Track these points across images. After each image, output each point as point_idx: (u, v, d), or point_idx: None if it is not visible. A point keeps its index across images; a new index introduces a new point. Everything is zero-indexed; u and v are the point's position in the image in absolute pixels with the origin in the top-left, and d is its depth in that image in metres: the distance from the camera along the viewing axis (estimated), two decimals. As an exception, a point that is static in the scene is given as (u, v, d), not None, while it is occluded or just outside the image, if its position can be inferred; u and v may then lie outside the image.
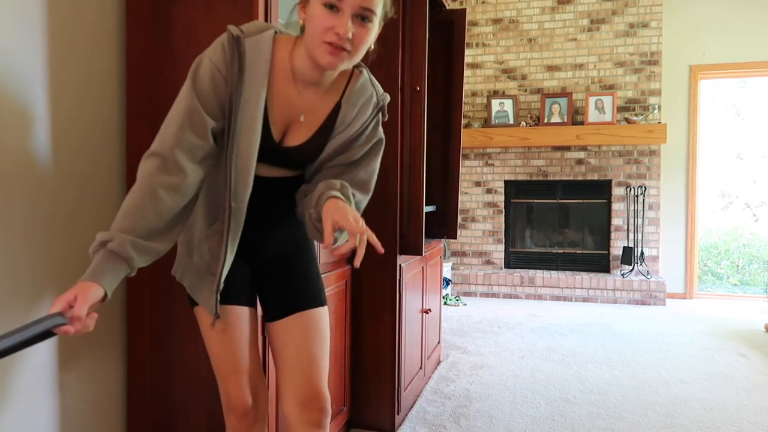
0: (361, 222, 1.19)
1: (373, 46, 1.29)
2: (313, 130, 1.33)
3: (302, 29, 1.25)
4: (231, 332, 1.37)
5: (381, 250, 1.19)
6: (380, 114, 1.40)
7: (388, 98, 1.41)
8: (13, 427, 1.45)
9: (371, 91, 1.37)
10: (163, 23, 1.71)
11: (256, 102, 1.23)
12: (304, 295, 1.42)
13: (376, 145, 1.40)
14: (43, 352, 1.54)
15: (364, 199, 1.40)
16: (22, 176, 1.46)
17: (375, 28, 1.23)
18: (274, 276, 1.43)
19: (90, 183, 1.68)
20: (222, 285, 1.30)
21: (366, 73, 1.37)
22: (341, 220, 1.18)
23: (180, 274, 1.40)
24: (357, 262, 1.15)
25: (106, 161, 1.73)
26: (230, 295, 1.36)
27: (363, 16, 1.18)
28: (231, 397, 1.39)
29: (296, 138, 1.32)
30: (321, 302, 1.44)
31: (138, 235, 1.12)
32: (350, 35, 1.17)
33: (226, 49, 1.22)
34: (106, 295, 1.07)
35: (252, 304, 1.43)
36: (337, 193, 1.26)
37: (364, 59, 1.33)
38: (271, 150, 1.30)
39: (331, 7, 1.16)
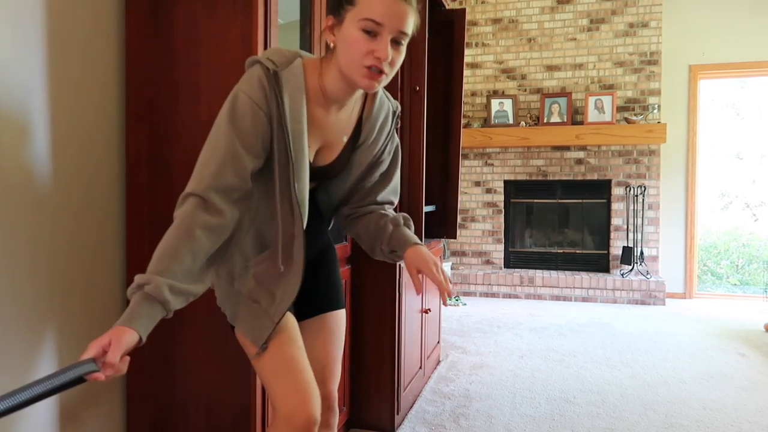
0: (440, 267, 1.31)
1: None
2: (341, 147, 1.36)
3: (326, 48, 1.27)
4: (283, 338, 1.28)
5: (450, 295, 1.31)
6: (397, 121, 1.47)
7: (399, 105, 1.48)
8: (12, 428, 1.45)
9: (387, 104, 1.43)
10: (162, 24, 1.71)
11: (302, 133, 1.24)
12: (328, 296, 1.46)
13: (397, 150, 1.48)
14: (43, 352, 1.54)
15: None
16: (22, 178, 1.46)
17: (405, 47, 1.26)
18: (303, 279, 1.43)
19: (90, 184, 1.68)
20: (282, 319, 1.27)
21: (380, 89, 1.41)
22: (425, 270, 1.31)
23: (222, 304, 1.37)
24: (445, 303, 1.30)
25: (106, 162, 1.73)
26: None
27: (398, 40, 1.20)
28: (299, 410, 1.23)
29: (326, 157, 1.35)
30: (342, 304, 1.49)
31: (174, 277, 1.10)
32: (390, 59, 1.19)
33: (265, 86, 1.20)
34: (140, 339, 1.06)
35: (291, 309, 1.39)
36: (416, 240, 1.37)
37: None
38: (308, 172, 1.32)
39: (370, 33, 1.17)
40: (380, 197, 1.45)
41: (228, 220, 1.18)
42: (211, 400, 1.72)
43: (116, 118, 1.77)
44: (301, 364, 1.27)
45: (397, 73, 2.45)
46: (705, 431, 2.59)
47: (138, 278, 1.09)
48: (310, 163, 1.31)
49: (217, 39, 1.66)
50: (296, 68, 1.24)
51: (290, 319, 1.33)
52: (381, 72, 1.20)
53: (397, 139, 1.48)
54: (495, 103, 5.99)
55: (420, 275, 1.32)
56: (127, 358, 1.04)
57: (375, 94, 1.39)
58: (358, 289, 2.51)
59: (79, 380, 0.98)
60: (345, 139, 1.36)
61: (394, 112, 1.44)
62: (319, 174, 1.36)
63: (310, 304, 1.44)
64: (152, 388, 1.77)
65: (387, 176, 1.46)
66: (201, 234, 1.14)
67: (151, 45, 1.73)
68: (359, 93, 1.34)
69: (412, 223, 1.44)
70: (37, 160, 1.50)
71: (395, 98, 2.42)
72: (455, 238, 3.22)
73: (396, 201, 1.50)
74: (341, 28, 1.20)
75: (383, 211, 1.44)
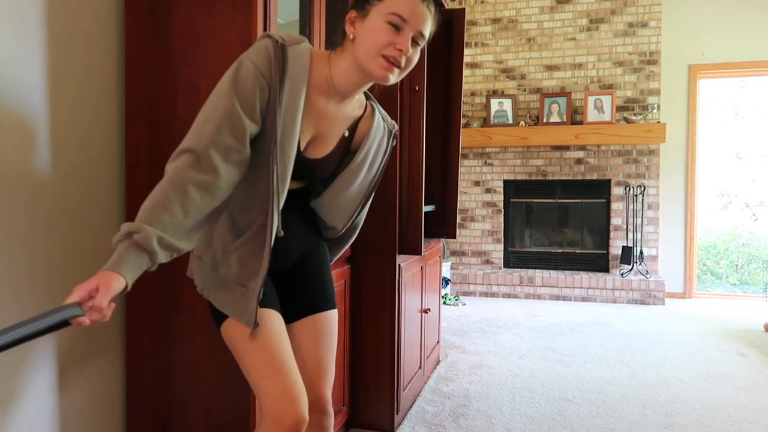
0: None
1: None
2: (335, 143, 1.38)
3: (339, 41, 1.31)
4: (270, 338, 1.28)
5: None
6: (394, 140, 1.51)
7: (396, 126, 1.52)
8: (12, 428, 1.45)
9: (383, 125, 1.47)
10: (162, 24, 1.71)
11: (295, 110, 1.25)
12: (318, 297, 1.45)
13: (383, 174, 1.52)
14: (43, 352, 1.54)
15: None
16: (21, 178, 1.46)
17: (419, 51, 1.31)
18: (291, 278, 1.44)
19: (89, 184, 1.68)
20: (261, 295, 1.27)
21: (377, 109, 1.46)
22: None
23: (205, 290, 1.35)
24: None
25: (105, 161, 1.73)
26: (265, 299, 1.32)
27: (417, 40, 1.27)
28: (286, 411, 1.23)
29: (318, 150, 1.36)
30: (334, 305, 1.48)
31: (163, 230, 1.08)
32: (410, 53, 1.26)
33: (271, 55, 1.22)
34: (126, 286, 1.04)
35: (279, 308, 1.39)
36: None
37: None
38: (295, 160, 1.31)
39: (395, 26, 1.23)
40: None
41: (222, 180, 1.17)
42: (210, 399, 1.72)
43: (116, 117, 1.77)
44: (288, 365, 1.27)
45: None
46: (704, 431, 2.59)
47: (126, 226, 1.06)
48: (301, 153, 1.32)
49: (217, 39, 1.66)
50: (303, 49, 1.28)
51: (277, 318, 1.32)
52: (397, 64, 1.25)
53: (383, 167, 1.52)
54: (494, 103, 5.99)
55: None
56: (113, 305, 1.03)
57: (372, 112, 1.44)
58: (358, 288, 2.51)
59: (64, 323, 0.97)
60: (340, 135, 1.38)
61: (391, 132, 1.49)
62: (308, 167, 1.36)
63: (300, 305, 1.43)
64: (152, 387, 1.77)
65: (367, 198, 1.51)
66: (193, 191, 1.13)
67: (150, 44, 1.73)
68: (362, 97, 1.37)
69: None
70: (36, 160, 1.50)
71: (394, 98, 2.43)
72: (455, 237, 3.22)
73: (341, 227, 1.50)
74: (365, 20, 1.25)
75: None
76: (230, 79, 1.21)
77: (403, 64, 1.26)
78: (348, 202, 1.45)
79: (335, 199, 1.44)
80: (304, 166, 1.35)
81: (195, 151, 1.15)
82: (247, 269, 1.29)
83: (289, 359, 1.28)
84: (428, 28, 1.28)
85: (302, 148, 1.32)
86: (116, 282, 1.02)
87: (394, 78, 1.27)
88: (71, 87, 1.61)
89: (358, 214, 1.51)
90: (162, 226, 1.08)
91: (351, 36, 1.27)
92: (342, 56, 1.30)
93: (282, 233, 1.29)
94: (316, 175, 1.40)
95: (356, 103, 1.40)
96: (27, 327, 0.93)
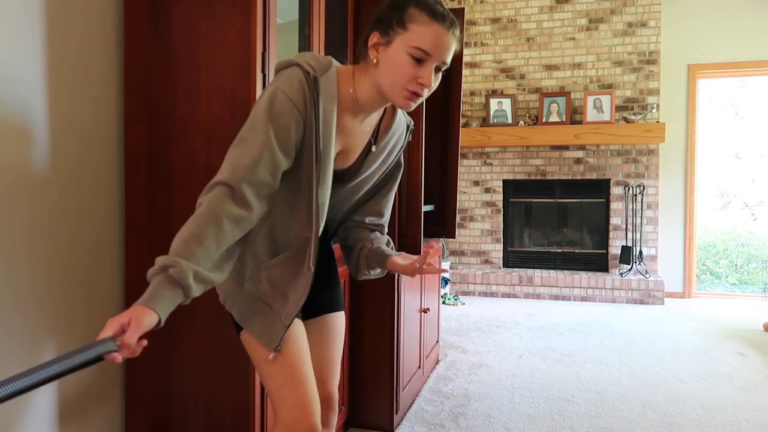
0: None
1: None
2: (358, 152, 1.38)
3: (363, 55, 1.29)
4: (291, 347, 1.30)
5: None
6: (410, 135, 1.52)
7: (413, 121, 1.53)
8: (11, 428, 1.45)
9: (404, 120, 1.48)
10: (161, 24, 1.71)
11: (330, 139, 1.26)
12: (328, 298, 1.48)
13: (400, 170, 1.53)
14: (42, 351, 1.54)
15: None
16: (20, 177, 1.46)
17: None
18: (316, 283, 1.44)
19: (88, 184, 1.67)
20: (292, 321, 1.28)
21: None
22: (419, 259, 1.36)
23: (227, 301, 1.36)
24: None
25: (105, 161, 1.73)
26: None
27: (440, 68, 1.26)
28: (300, 419, 1.27)
29: (344, 161, 1.37)
30: (342, 306, 1.52)
31: (198, 263, 1.09)
32: (432, 85, 1.24)
33: (305, 90, 1.21)
34: (159, 321, 1.04)
35: (299, 315, 1.39)
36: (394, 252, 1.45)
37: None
38: None
39: (417, 60, 1.21)
40: (372, 210, 1.51)
41: (254, 215, 1.18)
42: (210, 398, 1.72)
43: (115, 117, 1.77)
44: (307, 377, 1.30)
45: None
46: (704, 430, 2.59)
47: (161, 260, 1.06)
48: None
49: (216, 39, 1.65)
50: (331, 75, 1.27)
51: (299, 327, 1.34)
52: (420, 95, 1.25)
53: (402, 160, 1.52)
54: (494, 103, 5.99)
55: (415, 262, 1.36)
56: (144, 341, 1.01)
57: (394, 109, 1.44)
58: (357, 288, 2.51)
59: (98, 359, 0.96)
60: (364, 145, 1.39)
61: (408, 126, 1.50)
62: (336, 176, 1.37)
63: (311, 306, 1.45)
64: (152, 387, 1.77)
65: (386, 194, 1.52)
66: (228, 224, 1.13)
67: (150, 45, 1.73)
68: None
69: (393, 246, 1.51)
70: (35, 160, 1.50)
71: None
72: (454, 237, 3.22)
73: (385, 221, 1.53)
74: (388, 48, 1.23)
75: (372, 233, 1.50)
76: (265, 112, 1.20)
77: (425, 94, 1.26)
78: (362, 184, 1.46)
79: (353, 194, 1.46)
80: (334, 177, 1.36)
81: (230, 185, 1.15)
82: (274, 290, 1.30)
83: (308, 370, 1.31)
84: (451, 55, 1.26)
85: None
86: (148, 318, 1.01)
87: (415, 105, 1.28)
88: (70, 87, 1.61)
89: (371, 196, 1.50)
90: (197, 260, 1.08)
91: (374, 60, 1.26)
92: (366, 76, 1.28)
93: (312, 269, 1.30)
94: (340, 181, 1.41)
95: (379, 112, 1.41)
96: (63, 363, 0.93)
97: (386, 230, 1.54)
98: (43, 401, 1.55)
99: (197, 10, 1.67)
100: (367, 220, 1.49)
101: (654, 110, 5.64)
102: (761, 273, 6.88)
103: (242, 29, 1.63)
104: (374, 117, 1.39)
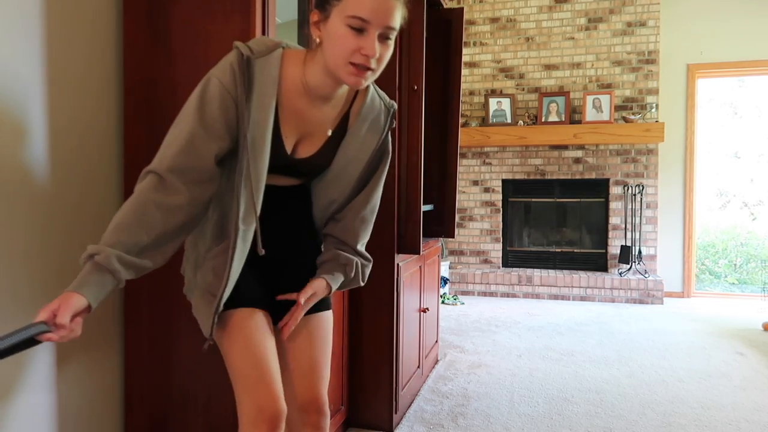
0: (304, 304, 1.36)
1: None
2: (323, 140, 1.35)
3: (310, 43, 1.25)
4: (253, 336, 1.29)
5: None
6: (392, 121, 1.44)
7: (395, 105, 1.45)
8: (10, 427, 1.45)
9: (378, 101, 1.40)
10: (160, 23, 1.71)
11: (265, 124, 1.23)
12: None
13: (387, 160, 1.46)
14: (41, 351, 1.54)
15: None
16: (19, 177, 1.45)
17: (393, 41, 1.24)
18: (284, 278, 1.41)
19: (87, 184, 1.67)
20: (221, 308, 1.27)
21: (372, 86, 1.39)
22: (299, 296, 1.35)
23: (188, 292, 1.38)
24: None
25: (104, 161, 1.73)
26: (245, 298, 1.32)
27: (386, 35, 1.19)
28: (263, 404, 1.24)
29: (307, 149, 1.34)
30: (328, 306, 1.47)
31: (125, 249, 1.13)
32: (378, 56, 1.18)
33: (236, 71, 1.20)
34: (90, 305, 1.09)
35: (266, 308, 1.37)
36: (326, 278, 1.40)
37: None
38: (284, 163, 1.32)
39: (357, 29, 1.16)
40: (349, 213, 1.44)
41: (185, 200, 1.18)
42: (209, 397, 1.72)
43: (114, 117, 1.76)
44: (266, 361, 1.27)
45: (395, 73, 2.45)
46: (703, 430, 2.60)
47: (90, 248, 1.12)
48: (289, 155, 1.31)
49: (216, 38, 1.65)
50: (273, 59, 1.24)
51: (257, 317, 1.31)
52: (368, 68, 1.19)
53: (389, 149, 1.45)
54: (493, 102, 5.99)
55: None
56: (80, 320, 1.08)
57: (366, 90, 1.37)
58: (357, 288, 2.51)
59: (33, 341, 1.02)
60: (329, 133, 1.35)
61: (388, 110, 1.42)
62: (299, 167, 1.35)
63: (292, 305, 1.40)
64: (151, 386, 1.77)
65: (371, 190, 1.45)
66: (156, 212, 1.16)
67: (149, 44, 1.73)
68: (346, 88, 1.32)
69: (354, 271, 1.44)
70: (34, 159, 1.50)
71: (393, 97, 2.42)
72: (453, 237, 3.22)
73: (355, 242, 1.44)
74: (327, 23, 1.19)
75: (341, 250, 1.43)
76: (196, 99, 1.21)
77: (374, 66, 1.19)
78: (344, 174, 1.41)
79: (333, 187, 1.42)
80: (294, 166, 1.34)
81: (157, 173, 1.18)
82: (219, 279, 1.28)
83: (267, 355, 1.28)
84: (397, 19, 1.19)
85: (289, 152, 1.31)
86: (75, 300, 1.06)
87: (367, 81, 1.22)
88: (69, 87, 1.60)
89: (360, 199, 1.44)
90: (122, 246, 1.13)
91: (317, 40, 1.22)
92: (315, 59, 1.25)
93: (263, 252, 1.29)
94: (312, 171, 1.39)
95: (343, 96, 1.35)
96: None
97: (358, 250, 1.45)
98: (42, 399, 1.55)
99: (196, 10, 1.67)
100: (336, 234, 1.44)
101: (653, 110, 5.64)
102: (760, 272, 6.89)
103: (241, 29, 1.62)
104: (339, 101, 1.34)
